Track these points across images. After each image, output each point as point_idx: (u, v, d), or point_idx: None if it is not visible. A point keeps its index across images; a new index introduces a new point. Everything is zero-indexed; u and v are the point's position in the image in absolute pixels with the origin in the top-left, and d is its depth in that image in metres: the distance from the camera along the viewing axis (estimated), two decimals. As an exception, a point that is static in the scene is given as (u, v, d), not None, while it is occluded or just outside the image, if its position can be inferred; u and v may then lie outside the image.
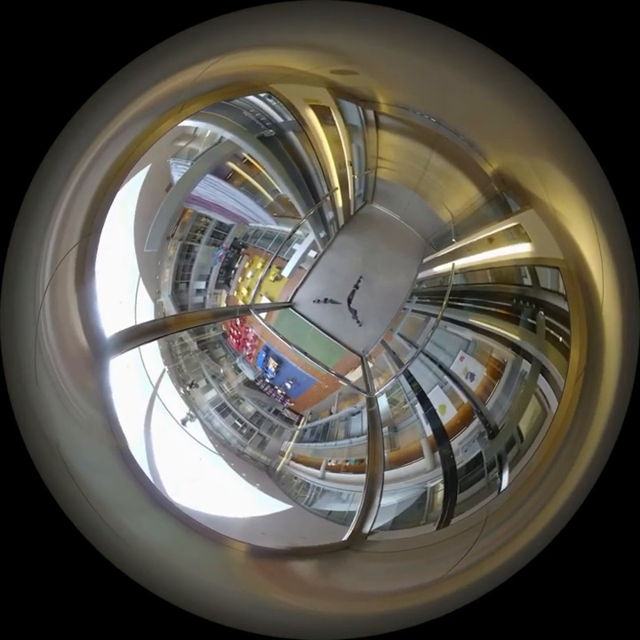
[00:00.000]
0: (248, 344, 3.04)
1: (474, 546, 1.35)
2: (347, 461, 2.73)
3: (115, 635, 1.22)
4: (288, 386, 3.01)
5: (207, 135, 2.19)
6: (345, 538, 2.00)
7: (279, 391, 2.99)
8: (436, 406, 2.61)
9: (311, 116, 2.15)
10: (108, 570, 1.34)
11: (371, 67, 1.69)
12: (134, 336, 2.36)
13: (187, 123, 1.88)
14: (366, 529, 2.05)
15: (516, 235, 2.06)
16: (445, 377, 2.63)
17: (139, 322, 2.42)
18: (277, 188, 2.66)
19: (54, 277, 1.78)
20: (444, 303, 2.62)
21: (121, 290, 2.32)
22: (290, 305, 2.99)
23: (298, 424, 2.91)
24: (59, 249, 1.71)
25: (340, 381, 2.99)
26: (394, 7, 1.29)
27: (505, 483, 1.78)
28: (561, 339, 1.84)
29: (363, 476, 2.44)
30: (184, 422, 2.52)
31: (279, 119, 2.19)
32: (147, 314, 2.50)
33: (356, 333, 3.01)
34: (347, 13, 1.36)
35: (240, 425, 2.74)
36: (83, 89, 1.42)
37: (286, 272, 3.00)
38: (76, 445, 1.83)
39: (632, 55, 1.05)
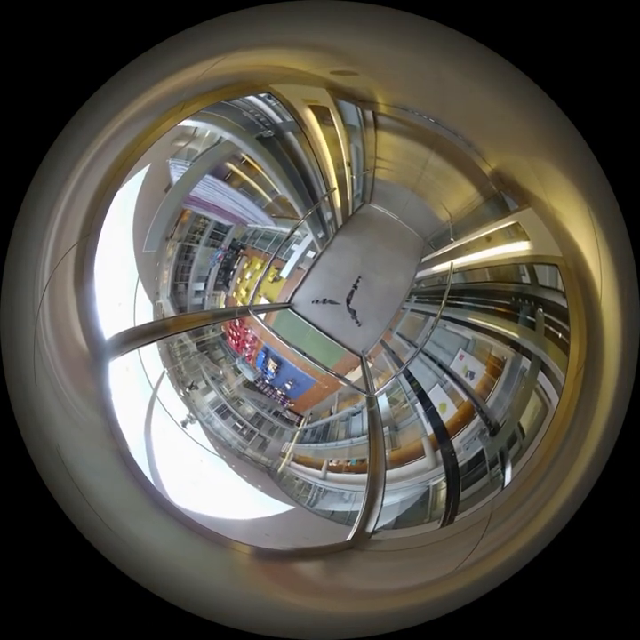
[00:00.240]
0: (247, 345, 3.03)
1: (481, 541, 1.35)
2: (348, 461, 2.73)
3: (121, 638, 1.21)
4: (288, 387, 3.00)
5: (206, 135, 2.19)
6: (348, 538, 1.99)
7: (279, 392, 2.98)
8: (436, 405, 2.62)
9: (310, 116, 2.16)
10: (113, 574, 1.33)
11: (371, 67, 1.70)
12: (133, 338, 2.34)
13: (187, 122, 1.87)
14: (370, 528, 2.05)
15: (514, 233, 2.08)
16: (445, 376, 2.64)
17: (138, 323, 2.40)
18: (276, 188, 2.67)
19: (53, 278, 1.77)
20: (443, 302, 2.64)
21: (120, 291, 2.31)
22: (289, 306, 2.99)
23: (298, 425, 2.90)
24: (58, 249, 1.70)
25: (340, 382, 2.99)
26: (394, 7, 1.31)
27: (508, 478, 1.79)
28: (560, 335, 1.86)
29: (364, 476, 2.44)
30: (184, 424, 2.50)
31: (278, 120, 2.20)
32: (146, 315, 2.48)
33: (355, 333, 3.01)
34: (347, 13, 1.37)
35: (240, 426, 2.73)
36: (83, 88, 1.42)
37: (285, 273, 3.00)
38: (76, 448, 1.81)
39: (629, 52, 1.07)
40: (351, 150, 2.43)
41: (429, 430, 2.55)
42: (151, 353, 2.50)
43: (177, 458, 2.34)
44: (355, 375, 3.00)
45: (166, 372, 2.57)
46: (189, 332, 2.74)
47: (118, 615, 1.25)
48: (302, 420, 2.92)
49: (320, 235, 2.94)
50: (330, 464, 2.70)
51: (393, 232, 2.79)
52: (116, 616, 1.25)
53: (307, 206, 2.76)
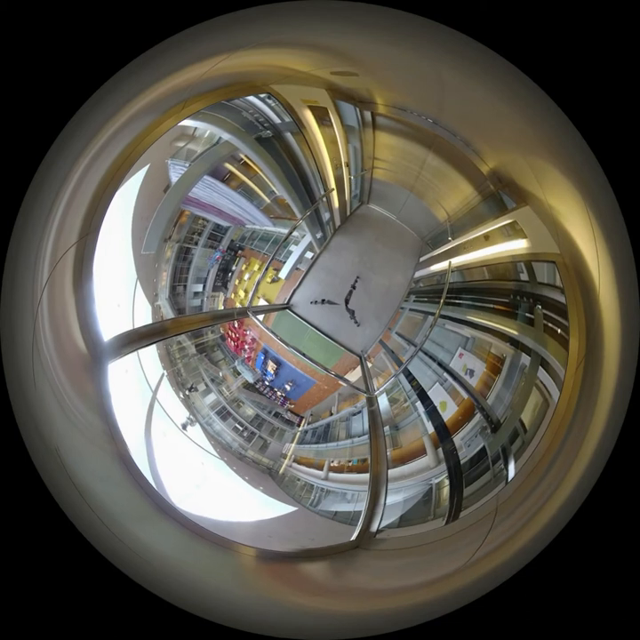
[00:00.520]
0: (246, 347, 3.02)
1: (489, 534, 1.36)
2: (349, 461, 2.72)
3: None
4: (287, 388, 3.00)
5: (206, 136, 2.18)
6: (353, 537, 1.98)
7: (279, 393, 2.97)
8: (436, 403, 2.63)
9: (309, 117, 2.17)
10: (119, 578, 1.30)
11: (371, 68, 1.72)
12: (132, 340, 2.32)
13: (187, 122, 1.87)
14: (374, 528, 2.04)
15: (512, 231, 2.11)
16: (445, 374, 2.66)
17: (137, 325, 2.38)
18: (274, 189, 2.67)
19: (52, 278, 1.75)
20: (442, 301, 2.65)
21: (119, 293, 2.29)
22: (287, 307, 2.99)
23: (299, 426, 2.89)
24: (57, 248, 1.68)
25: (340, 382, 3.00)
26: (394, 7, 1.32)
27: (511, 473, 1.80)
28: (559, 330, 1.88)
29: (366, 476, 2.43)
30: (184, 427, 2.48)
31: (277, 120, 2.21)
32: (144, 317, 2.46)
33: (354, 333, 3.02)
34: (349, 14, 1.38)
35: (241, 428, 2.71)
36: (85, 87, 1.41)
37: (283, 274, 3.00)
38: (76, 451, 1.79)
39: (627, 52, 1.09)
40: (349, 151, 2.44)
41: (430, 429, 2.55)
42: (150, 355, 2.48)
43: (178, 461, 2.31)
44: (354, 375, 3.00)
45: (165, 374, 2.54)
46: (188, 334, 2.72)
47: (126, 620, 1.23)
48: (303, 421, 2.91)
49: (318, 235, 2.94)
50: (331, 464, 2.69)
51: (391, 232, 2.81)
52: (123, 620, 1.23)
53: (305, 207, 2.76)
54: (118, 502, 1.79)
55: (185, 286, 2.70)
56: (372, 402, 2.88)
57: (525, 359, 2.15)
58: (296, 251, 3.01)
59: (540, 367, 2.00)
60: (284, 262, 3.00)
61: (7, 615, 1.13)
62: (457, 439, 2.36)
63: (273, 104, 2.09)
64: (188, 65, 1.45)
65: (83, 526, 1.43)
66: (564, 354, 1.80)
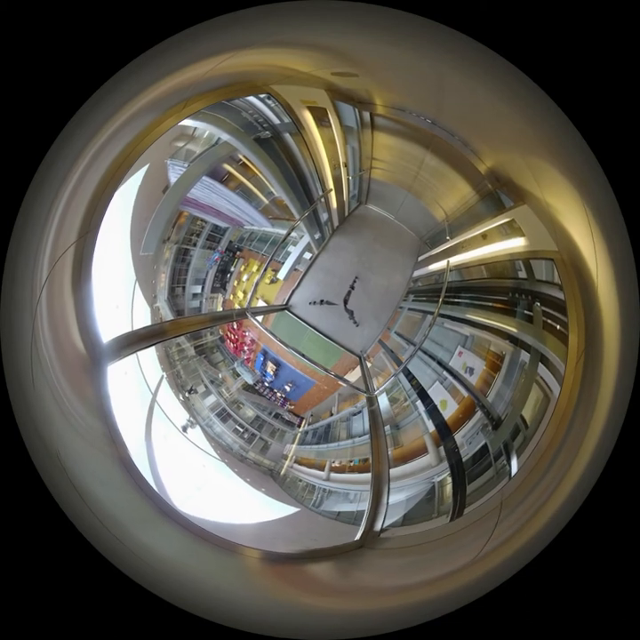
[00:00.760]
0: (245, 348, 3.01)
1: (496, 529, 1.36)
2: (351, 461, 2.72)
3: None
4: (287, 389, 2.99)
5: (205, 136, 2.18)
6: (357, 537, 1.98)
7: (279, 394, 2.96)
8: (436, 402, 2.64)
9: (308, 117, 2.19)
10: (123, 582, 1.29)
11: (371, 68, 1.73)
12: (131, 342, 2.30)
13: (187, 122, 1.87)
14: (377, 527, 2.04)
15: (510, 230, 2.13)
16: (445, 373, 2.67)
17: (136, 327, 2.36)
18: (272, 190, 2.68)
19: (51, 278, 1.73)
20: (441, 300, 2.67)
21: (117, 294, 2.27)
22: (286, 307, 2.99)
23: (299, 426, 2.88)
24: (56, 248, 1.66)
25: (340, 382, 3.00)
26: (394, 7, 1.34)
27: (514, 469, 1.81)
28: (558, 326, 1.90)
29: (368, 476, 2.43)
30: (185, 429, 2.46)
31: (276, 121, 2.22)
32: (143, 319, 2.44)
33: (353, 334, 3.02)
34: (351, 14, 1.39)
35: (241, 430, 2.70)
36: (86, 86, 1.40)
37: (282, 274, 3.00)
38: (77, 455, 1.76)
39: (624, 50, 1.12)
40: (347, 151, 2.46)
41: (431, 427, 2.56)
42: (149, 357, 2.46)
43: (179, 463, 2.29)
44: (354, 375, 3.00)
45: (165, 376, 2.52)
46: (187, 336, 2.70)
47: (133, 623, 1.21)
48: (303, 422, 2.90)
49: (316, 236, 2.95)
50: (333, 465, 2.68)
51: (389, 232, 2.83)
52: (130, 625, 1.21)
53: (303, 208, 2.77)
54: (120, 506, 1.77)
55: (183, 288, 2.69)
56: (372, 401, 2.88)
57: (525, 356, 2.17)
58: (294, 251, 3.01)
59: (540, 363, 2.02)
60: (283, 263, 3.00)
61: (14, 621, 1.11)
62: (458, 437, 2.37)
63: (272, 104, 2.10)
64: (192, 63, 1.45)
65: (86, 530, 1.42)
66: (563, 349, 1.82)
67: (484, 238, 2.31)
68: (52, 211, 1.61)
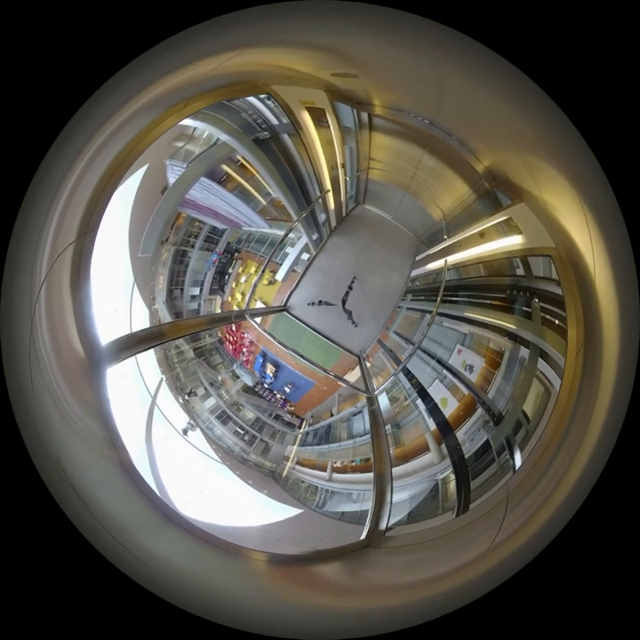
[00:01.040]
0: (244, 350, 2.99)
1: (504, 521, 1.37)
2: (352, 461, 2.71)
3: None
4: (287, 390, 2.98)
5: (204, 136, 2.18)
6: (363, 537, 1.97)
7: (278, 396, 2.95)
8: (437, 400, 2.65)
9: (306, 118, 2.20)
10: (133, 590, 1.26)
11: (371, 69, 1.75)
12: (130, 344, 2.27)
13: (187, 122, 1.86)
14: (382, 526, 2.04)
15: (507, 228, 2.16)
16: (444, 371, 2.68)
17: (134, 329, 2.33)
18: (270, 191, 2.68)
19: (50, 278, 1.70)
20: (439, 299, 2.69)
21: (116, 296, 2.24)
22: (285, 309, 2.98)
23: (300, 428, 2.87)
24: (55, 247, 1.64)
25: (339, 382, 2.99)
26: (395, 7, 1.36)
27: (518, 463, 1.82)
28: (557, 321, 1.93)
29: (370, 475, 2.42)
30: (185, 432, 2.43)
31: (275, 121, 2.22)
32: (142, 321, 2.41)
33: (352, 334, 3.03)
34: (353, 14, 1.41)
35: (242, 432, 2.67)
36: (87, 85, 1.39)
37: (280, 276, 3.00)
38: (77, 459, 1.73)
39: (622, 48, 1.15)
40: (345, 152, 2.48)
41: (432, 425, 2.57)
42: (148, 359, 2.43)
43: (180, 467, 2.26)
44: (354, 375, 3.00)
45: (164, 378, 2.49)
46: (186, 338, 2.68)
47: (145, 631, 1.18)
48: (303, 423, 2.89)
49: (314, 237, 2.96)
50: (334, 465, 2.67)
51: (387, 232, 2.85)
52: (142, 632, 1.18)
53: (301, 208, 2.78)
54: (123, 511, 1.74)
55: (182, 290, 2.67)
56: (372, 401, 2.88)
57: (524, 352, 2.20)
58: (292, 252, 3.01)
59: (540, 358, 2.04)
60: (281, 264, 3.00)
61: (22, 630, 1.07)
62: (460, 434, 2.38)
63: (272, 105, 2.10)
64: (195, 61, 1.45)
65: (91, 536, 1.39)
66: (562, 343, 1.84)
67: (482, 236, 2.34)
68: (52, 210, 1.60)
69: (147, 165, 1.91)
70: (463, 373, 2.59)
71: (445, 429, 2.49)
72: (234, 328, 2.96)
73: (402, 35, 1.47)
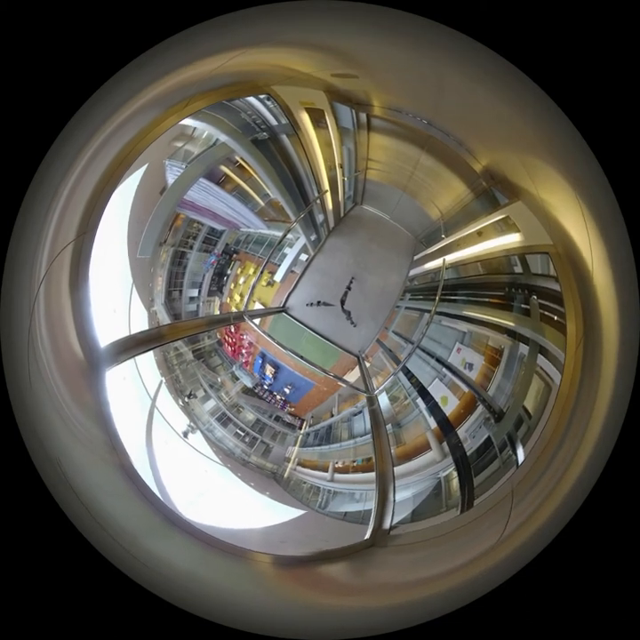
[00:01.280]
0: (244, 351, 2.98)
1: (511, 514, 1.37)
2: (354, 461, 2.71)
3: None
4: (287, 391, 2.97)
5: (203, 136, 2.18)
6: (367, 536, 1.96)
7: (278, 397, 2.94)
8: (437, 399, 2.66)
9: (305, 118, 2.21)
10: (142, 595, 1.24)
11: (371, 69, 1.76)
12: (129, 346, 2.25)
13: (187, 121, 1.86)
14: (386, 525, 2.03)
15: (505, 226, 2.19)
16: (444, 369, 2.70)
17: (133, 331, 2.31)
18: (268, 192, 2.68)
19: (49, 281, 1.68)
20: (437, 298, 2.71)
21: (114, 298, 2.22)
22: (283, 310, 2.98)
23: (300, 428, 2.86)
24: (54, 247, 1.63)
25: (339, 383, 2.99)
26: (394, 7, 1.37)
27: (521, 457, 1.83)
28: (556, 317, 1.95)
29: (372, 475, 2.42)
30: (185, 434, 2.40)
31: (274, 122, 2.23)
32: (141, 323, 2.39)
33: (351, 334, 3.03)
34: (350, 14, 1.43)
35: (242, 434, 2.66)
36: (90, 82, 1.39)
37: (278, 277, 3.00)
38: (78, 463, 1.71)
39: (622, 48, 1.18)
40: (343, 152, 2.49)
41: (433, 424, 2.58)
42: (147, 362, 2.41)
43: (181, 470, 2.23)
44: (353, 375, 3.00)
45: (164, 381, 2.47)
46: (185, 340, 2.66)
47: (156, 636, 1.16)
48: (304, 424, 2.88)
49: (312, 237, 2.96)
50: (336, 465, 2.67)
51: (385, 232, 2.87)
52: (153, 637, 1.16)
53: (299, 209, 2.78)
54: (126, 515, 1.72)
55: (180, 291, 2.65)
56: (372, 401, 2.88)
57: (524, 348, 2.22)
58: (290, 253, 3.01)
59: (539, 354, 2.07)
60: (279, 265, 3.00)
61: (27, 634, 1.05)
62: (461, 432, 2.40)
63: (271, 105, 2.11)
64: (196, 61, 1.45)
65: (94, 540, 1.37)
66: (562, 339, 1.86)
67: (480, 235, 2.37)
68: (51, 210, 1.58)
69: (146, 165, 1.90)
70: (463, 371, 2.61)
71: (446, 427, 2.50)
72: (233, 329, 2.95)
73: (402, 35, 1.49)
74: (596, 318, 1.62)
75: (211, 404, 2.64)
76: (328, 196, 2.77)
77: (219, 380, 2.78)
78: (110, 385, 2.02)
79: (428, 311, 2.78)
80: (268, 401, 2.91)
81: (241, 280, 2.93)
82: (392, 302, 2.97)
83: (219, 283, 2.85)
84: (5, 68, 1.33)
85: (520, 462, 1.80)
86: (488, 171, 2.09)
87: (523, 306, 2.27)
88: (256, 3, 1.38)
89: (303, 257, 3.00)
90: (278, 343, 2.95)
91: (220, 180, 2.49)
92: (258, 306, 2.99)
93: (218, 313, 2.88)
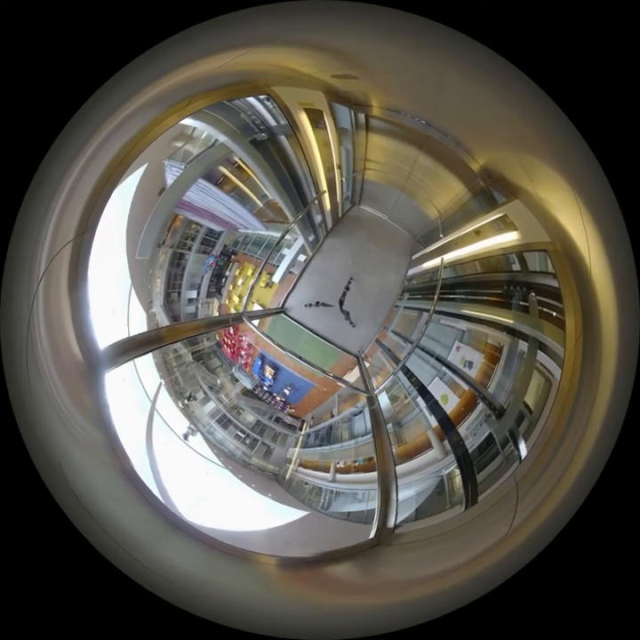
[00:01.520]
0: (243, 353, 2.96)
1: (518, 507, 1.38)
2: (355, 461, 2.70)
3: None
4: (287, 392, 2.95)
5: (203, 137, 2.18)
6: (372, 536, 1.96)
7: (278, 398, 2.93)
8: (437, 397, 2.67)
9: (304, 119, 2.22)
10: (148, 600, 1.22)
11: (371, 70, 1.77)
12: (128, 348, 2.23)
13: (187, 121, 1.86)
14: (390, 524, 2.03)
15: (503, 225, 2.22)
16: (443, 368, 2.71)
17: (132, 333, 2.29)
18: (266, 192, 2.69)
19: (48, 281, 1.66)
20: (436, 297, 2.73)
21: (113, 299, 2.20)
22: (282, 311, 2.97)
23: (301, 429, 2.85)
24: (53, 246, 1.61)
25: (339, 383, 2.99)
26: (396, 7, 1.39)
27: (524, 453, 1.84)
28: (555, 313, 1.97)
29: (374, 474, 2.42)
30: (186, 437, 2.38)
31: (273, 122, 2.24)
32: (140, 325, 2.37)
33: (350, 334, 3.03)
34: (350, 14, 1.44)
35: (243, 435, 2.64)
36: (89, 83, 1.38)
37: (277, 278, 3.00)
38: (79, 467, 1.68)
39: (622, 47, 1.20)
40: (341, 153, 2.51)
41: (434, 422, 2.58)
42: (147, 364, 2.38)
43: (183, 473, 2.21)
44: (353, 376, 3.00)
45: (163, 383, 2.44)
46: (184, 342, 2.64)
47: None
48: (304, 425, 2.87)
49: (310, 238, 2.97)
50: (337, 466, 2.66)
51: (383, 232, 2.88)
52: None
53: (297, 210, 2.79)
54: (129, 520, 1.69)
55: (179, 293, 2.64)
56: (372, 401, 2.88)
57: (523, 345, 2.24)
58: (289, 254, 3.01)
59: (539, 350, 2.09)
60: (277, 266, 3.00)
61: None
62: (462, 429, 2.40)
63: (270, 106, 2.12)
64: (201, 58, 1.45)
65: (101, 547, 1.35)
66: (561, 334, 1.88)
67: (477, 234, 2.39)
68: (51, 209, 1.57)
69: (145, 165, 1.89)
70: (462, 370, 2.62)
71: (447, 426, 2.50)
72: (232, 331, 2.94)
73: (402, 35, 1.50)
74: (594, 312, 1.63)
75: (211, 405, 2.62)
76: (326, 197, 2.78)
77: (218, 381, 2.76)
78: (110, 387, 1.99)
79: (427, 310, 2.80)
80: (268, 402, 2.90)
81: (239, 281, 2.92)
82: (391, 302, 2.98)
83: (217, 284, 2.84)
84: (5, 67, 1.32)
85: (523, 457, 1.81)
86: (486, 170, 2.11)
87: (521, 303, 2.30)
88: (256, 2, 1.39)
89: (301, 258, 3.01)
90: (277, 344, 2.94)
91: (219, 181, 2.49)
92: (256, 307, 2.98)
93: (217, 314, 2.87)
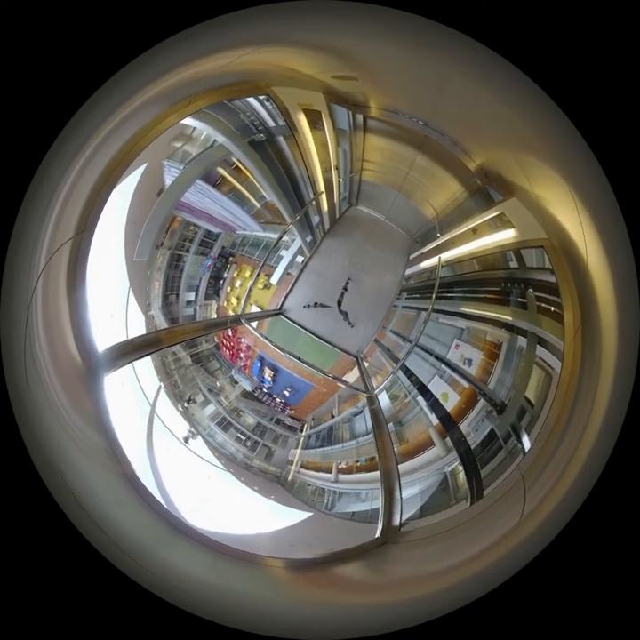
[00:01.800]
0: (242, 355, 2.94)
1: (526, 498, 1.38)
2: (357, 461, 2.69)
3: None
4: (286, 393, 2.94)
5: (202, 137, 2.17)
6: (378, 535, 1.95)
7: (278, 400, 2.91)
8: (437, 395, 2.68)
9: (302, 120, 2.23)
10: (155, 605, 1.19)
11: (371, 70, 1.79)
12: (127, 351, 2.19)
13: (186, 121, 1.86)
14: (396, 522, 2.02)
15: (500, 223, 2.25)
16: (443, 366, 2.73)
17: (131, 336, 2.26)
18: (264, 194, 2.69)
19: (47, 281, 1.63)
20: (434, 296, 2.75)
21: (112, 301, 2.17)
22: (280, 312, 2.97)
23: (301, 431, 2.83)
24: (52, 246, 1.58)
25: (338, 383, 2.99)
26: (396, 7, 1.41)
27: (527, 446, 1.86)
28: (553, 308, 2.00)
29: (377, 474, 2.41)
30: (186, 440, 2.35)
31: (271, 123, 2.25)
32: (138, 327, 2.34)
33: (348, 335, 3.04)
34: (350, 14, 1.45)
35: (243, 438, 2.61)
36: (90, 82, 1.37)
37: (275, 279, 2.99)
38: (80, 472, 1.64)
39: (624, 50, 1.23)
40: (339, 153, 2.52)
41: (435, 420, 2.59)
42: (146, 367, 2.35)
43: (184, 476, 2.17)
44: (352, 376, 3.00)
45: (162, 386, 2.41)
46: (183, 344, 2.61)
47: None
48: (305, 426, 2.86)
49: (308, 239, 2.98)
50: (339, 466, 2.65)
51: (380, 232, 2.90)
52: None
53: (294, 211, 2.79)
54: (132, 526, 1.66)
55: (177, 295, 2.62)
56: (372, 401, 2.88)
57: (522, 341, 2.27)
58: (286, 255, 3.02)
59: (538, 345, 2.11)
60: (275, 267, 2.99)
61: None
62: (463, 426, 2.42)
63: (270, 106, 2.13)
64: (202, 57, 1.45)
65: (108, 554, 1.32)
66: (559, 328, 1.91)
67: (475, 233, 2.42)
68: (50, 208, 1.55)
69: (145, 165, 1.88)
70: (462, 367, 2.64)
71: (448, 423, 2.51)
72: (230, 333, 2.92)
73: (402, 35, 1.52)
74: (592, 304, 1.66)
75: (210, 408, 2.59)
76: (323, 198, 2.79)
77: (218, 384, 2.73)
78: (109, 390, 1.96)
79: (425, 309, 2.82)
80: (268, 404, 2.88)
81: (237, 283, 2.91)
82: (389, 302, 3.00)
83: (215, 286, 2.82)
84: (5, 67, 1.31)
85: (527, 450, 1.82)
86: (483, 169, 2.14)
87: (519, 299, 2.33)
88: (256, 2, 1.40)
89: (299, 259, 3.01)
90: (276, 346, 2.93)
91: (217, 183, 2.48)
92: (255, 309, 2.97)
93: (215, 316, 2.85)
